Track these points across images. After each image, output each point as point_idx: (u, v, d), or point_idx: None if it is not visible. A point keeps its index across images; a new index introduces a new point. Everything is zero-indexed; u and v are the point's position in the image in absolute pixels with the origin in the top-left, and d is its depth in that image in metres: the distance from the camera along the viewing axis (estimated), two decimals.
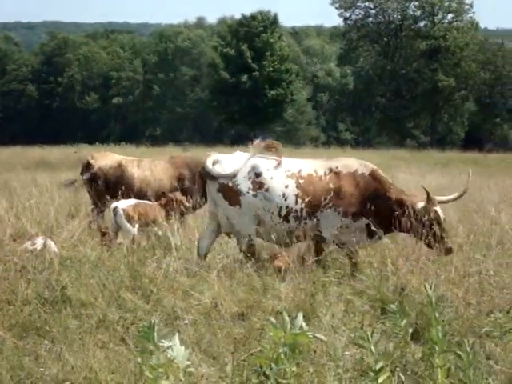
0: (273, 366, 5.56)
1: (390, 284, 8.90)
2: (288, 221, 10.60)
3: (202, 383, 6.30)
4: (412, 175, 24.63)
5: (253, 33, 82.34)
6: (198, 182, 13.79)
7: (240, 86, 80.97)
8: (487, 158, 49.61)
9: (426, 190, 10.42)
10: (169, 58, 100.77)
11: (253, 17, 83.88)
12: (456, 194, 10.88)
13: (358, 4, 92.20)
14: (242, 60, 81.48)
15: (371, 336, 5.69)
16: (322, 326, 7.54)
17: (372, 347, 5.65)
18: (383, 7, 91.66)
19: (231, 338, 7.50)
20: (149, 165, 14.17)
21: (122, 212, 11.99)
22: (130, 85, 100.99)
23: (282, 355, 5.59)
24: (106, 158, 14.34)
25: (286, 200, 10.56)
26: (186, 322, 8.08)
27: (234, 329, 7.85)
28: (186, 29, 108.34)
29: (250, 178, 10.73)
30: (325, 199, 10.54)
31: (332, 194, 10.52)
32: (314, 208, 10.55)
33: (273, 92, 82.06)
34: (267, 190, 10.64)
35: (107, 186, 13.76)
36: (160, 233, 11.84)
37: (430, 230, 10.27)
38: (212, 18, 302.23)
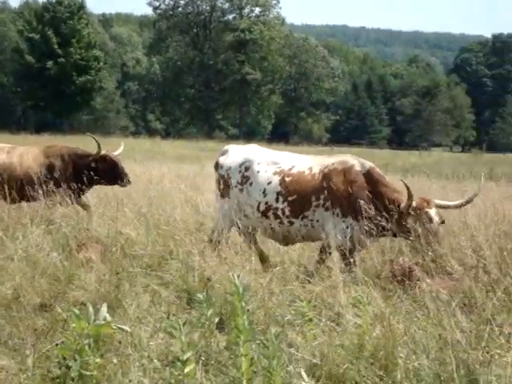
0: (76, 357, 5.47)
1: (196, 274, 8.94)
2: (267, 217, 10.25)
3: (1, 376, 6.10)
4: None
5: (59, 18, 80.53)
6: (70, 173, 13.66)
7: (45, 72, 79.07)
8: (294, 151, 50.83)
9: (406, 186, 9.51)
10: None
11: (59, 2, 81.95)
12: (461, 201, 10.02)
13: None
14: (47, 46, 79.55)
15: (183, 325, 5.70)
16: (127, 317, 7.47)
17: (182, 337, 5.66)
18: None
19: (33, 330, 7.31)
20: (19, 152, 13.95)
21: None
22: None
23: (86, 347, 5.51)
24: None
25: (265, 196, 10.25)
26: None
27: (37, 320, 7.66)
28: None
29: (240, 172, 10.58)
30: (316, 199, 9.99)
31: (325, 193, 9.94)
32: (301, 207, 10.03)
33: (81, 79, 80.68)
34: (251, 184, 10.42)
35: None
36: None
37: (415, 232, 9.37)
38: (15, 2, 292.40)
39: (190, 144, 49.99)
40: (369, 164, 10.11)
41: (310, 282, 8.81)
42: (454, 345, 6.14)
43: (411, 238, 9.38)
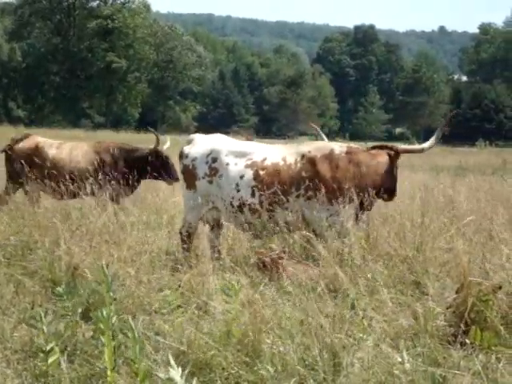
0: None
1: (63, 264, 8.81)
2: (242, 212, 9.78)
3: None
4: None
5: None
6: (119, 170, 13.45)
7: None
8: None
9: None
10: None
11: None
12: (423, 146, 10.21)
13: None
14: None
15: (45, 316, 5.63)
16: None
17: (44, 327, 5.60)
18: None
19: None
20: (69, 148, 13.94)
21: None
22: None
23: None
24: (26, 139, 14.20)
25: (238, 191, 9.77)
26: None
27: None
28: None
29: (207, 163, 10.02)
30: (297, 189, 9.62)
31: (306, 182, 9.58)
32: (279, 199, 9.56)
33: None
34: (221, 176, 9.89)
35: (22, 166, 13.55)
36: None
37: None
38: None
39: (55, 132, 48.97)
40: (343, 144, 10.24)
41: (178, 270, 8.85)
42: (318, 329, 6.28)
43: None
